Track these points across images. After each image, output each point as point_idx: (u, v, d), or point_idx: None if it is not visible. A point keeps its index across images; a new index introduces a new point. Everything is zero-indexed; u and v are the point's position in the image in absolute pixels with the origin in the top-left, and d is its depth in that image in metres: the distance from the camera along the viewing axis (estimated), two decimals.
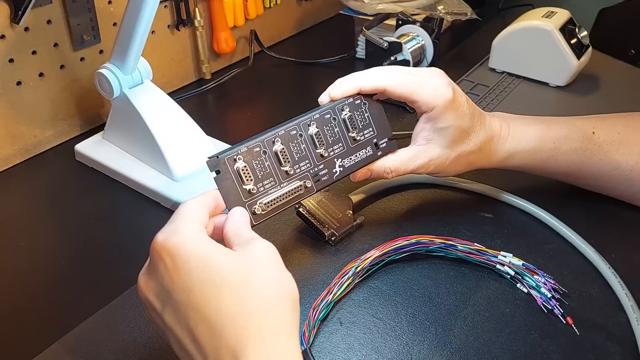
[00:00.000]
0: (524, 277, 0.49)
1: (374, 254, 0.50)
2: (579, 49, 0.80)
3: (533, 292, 0.49)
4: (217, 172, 0.43)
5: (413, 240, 0.51)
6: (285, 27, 1.00)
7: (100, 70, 0.61)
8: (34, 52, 0.64)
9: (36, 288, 0.51)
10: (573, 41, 0.80)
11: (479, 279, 0.51)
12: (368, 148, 0.51)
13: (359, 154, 0.50)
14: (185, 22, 0.80)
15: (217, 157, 0.43)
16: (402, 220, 0.57)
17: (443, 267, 0.52)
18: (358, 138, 0.50)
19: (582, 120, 0.57)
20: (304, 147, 0.47)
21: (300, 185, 0.47)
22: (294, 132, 0.47)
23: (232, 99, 0.83)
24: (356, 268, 0.49)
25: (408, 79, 0.49)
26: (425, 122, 0.51)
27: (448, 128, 0.50)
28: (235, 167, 0.43)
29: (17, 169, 0.67)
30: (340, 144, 0.49)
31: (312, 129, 0.47)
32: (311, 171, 0.48)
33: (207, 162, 0.42)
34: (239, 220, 0.41)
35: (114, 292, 0.49)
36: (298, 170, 0.47)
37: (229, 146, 0.45)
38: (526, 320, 0.47)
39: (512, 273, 0.50)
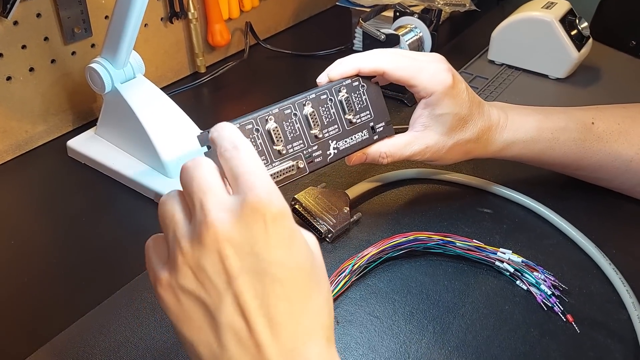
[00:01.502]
0: (524, 273, 0.49)
1: (371, 251, 0.49)
2: (579, 41, 0.79)
3: (533, 289, 0.48)
4: (209, 147, 0.42)
5: (411, 237, 0.50)
6: (281, 19, 0.99)
7: (91, 65, 0.60)
8: (23, 47, 0.63)
9: (27, 287, 0.50)
10: (573, 32, 0.78)
11: (477, 276, 0.50)
12: (364, 131, 0.50)
13: (355, 137, 0.50)
14: (179, 15, 0.79)
15: (208, 132, 0.42)
16: (399, 216, 0.56)
17: (441, 264, 0.51)
18: (354, 120, 0.49)
19: (581, 111, 0.56)
20: (298, 127, 0.46)
21: (293, 166, 0.46)
22: (288, 111, 0.46)
23: (228, 92, 0.82)
24: (353, 266, 0.48)
25: (408, 62, 0.48)
26: (423, 108, 0.50)
27: (446, 115, 0.49)
28: None
29: (8, 166, 0.66)
30: (336, 126, 0.48)
31: (307, 109, 0.47)
32: (304, 152, 0.47)
33: (197, 136, 0.40)
34: None
35: (106, 291, 0.48)
36: (291, 150, 0.46)
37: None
38: (525, 317, 0.46)
39: (512, 270, 0.49)
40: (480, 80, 0.81)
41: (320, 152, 0.48)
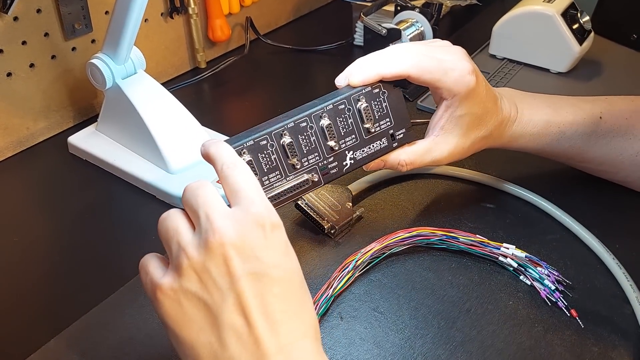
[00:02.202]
0: (527, 269, 0.49)
1: (374, 246, 0.49)
2: (580, 35, 0.78)
3: (536, 284, 0.48)
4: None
5: (414, 233, 0.50)
6: (281, 14, 0.98)
7: (92, 61, 0.60)
8: (24, 43, 0.63)
9: (31, 284, 0.50)
10: (575, 26, 0.78)
11: (481, 271, 0.50)
12: (383, 139, 0.48)
13: (373, 146, 0.48)
14: (179, 10, 0.78)
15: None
16: (402, 211, 0.56)
17: (445, 259, 0.51)
18: (373, 130, 0.47)
19: (590, 104, 0.55)
20: (313, 140, 0.44)
21: (307, 180, 0.45)
22: (304, 124, 0.44)
23: (228, 88, 0.82)
24: (356, 261, 0.48)
25: (433, 65, 0.47)
26: (444, 111, 0.49)
27: (466, 115, 0.48)
28: None
29: (9, 162, 0.65)
30: (353, 136, 0.46)
31: (324, 121, 0.44)
32: (320, 164, 0.45)
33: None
34: None
35: (110, 288, 0.48)
36: (306, 163, 0.44)
37: (234, 136, 0.43)
38: (530, 312, 0.46)
39: (515, 265, 0.49)
40: (482, 74, 0.81)
41: (336, 163, 0.46)
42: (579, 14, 0.79)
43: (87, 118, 0.72)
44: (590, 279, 0.49)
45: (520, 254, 0.49)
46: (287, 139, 0.43)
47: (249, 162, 0.41)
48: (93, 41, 0.70)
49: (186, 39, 0.82)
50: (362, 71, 0.46)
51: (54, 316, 0.47)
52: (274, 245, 0.33)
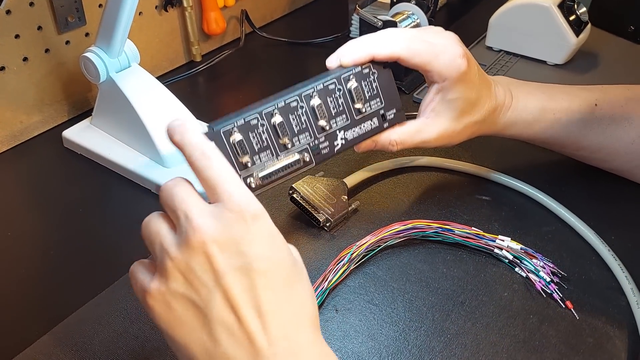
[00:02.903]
0: (523, 260, 0.49)
1: (369, 239, 0.49)
2: (577, 26, 0.78)
3: (532, 276, 0.48)
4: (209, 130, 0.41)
5: (409, 225, 0.50)
6: (277, 7, 0.98)
7: (86, 54, 0.59)
8: (17, 36, 0.62)
9: (24, 278, 0.50)
10: (572, 18, 0.78)
11: (476, 264, 0.50)
12: (374, 120, 0.48)
13: (364, 126, 0.48)
14: (174, 3, 0.78)
15: (213, 130, 0.41)
16: (398, 204, 0.56)
17: (440, 251, 0.51)
18: (364, 110, 0.47)
19: (585, 91, 0.55)
20: (304, 120, 0.44)
21: (299, 159, 0.44)
22: (295, 104, 0.44)
23: (224, 81, 0.81)
24: (352, 254, 0.48)
25: (424, 47, 0.47)
26: (435, 94, 0.49)
27: (457, 100, 0.48)
28: (231, 140, 0.41)
29: (3, 157, 0.65)
30: (344, 116, 0.46)
31: (315, 101, 0.44)
32: (311, 144, 0.45)
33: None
34: None
35: (104, 282, 0.48)
36: (297, 143, 0.44)
37: (224, 116, 0.42)
38: (524, 304, 0.46)
39: (511, 257, 0.49)
40: (474, 60, 0.81)
41: (327, 143, 0.46)
42: (575, 5, 0.78)
43: (82, 112, 0.72)
44: (586, 270, 0.49)
45: (516, 246, 0.49)
46: (277, 118, 0.43)
47: (239, 141, 0.42)
48: (87, 34, 0.69)
49: (181, 32, 0.82)
50: (353, 51, 0.46)
51: (48, 310, 0.47)
52: (256, 236, 0.32)
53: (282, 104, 0.43)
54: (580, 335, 0.44)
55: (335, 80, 0.45)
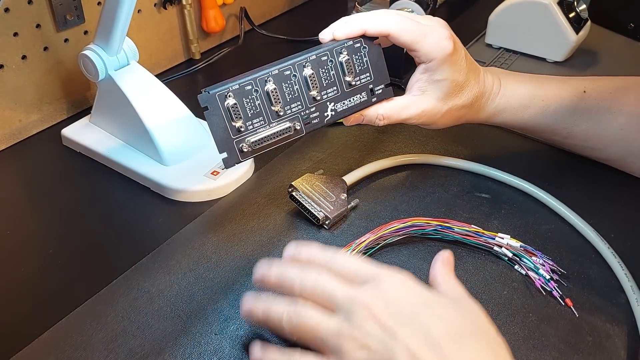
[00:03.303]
0: (522, 258, 0.49)
1: (368, 237, 0.49)
2: (577, 23, 0.78)
3: (531, 273, 0.48)
4: (207, 108, 0.43)
5: (408, 223, 0.50)
6: (276, 4, 0.97)
7: (84, 52, 0.59)
8: (15, 34, 0.62)
9: (23, 277, 0.50)
10: (571, 15, 0.78)
11: (476, 261, 0.50)
12: (363, 93, 0.50)
13: (353, 99, 0.50)
14: (173, 0, 0.78)
15: (208, 93, 0.43)
16: (397, 202, 0.56)
17: (439, 249, 0.50)
18: (354, 83, 0.49)
19: (574, 80, 0.56)
20: (296, 89, 0.47)
21: (290, 127, 0.47)
22: (288, 72, 0.46)
23: (223, 79, 0.80)
24: (351, 252, 0.48)
25: (414, 26, 0.48)
26: (422, 73, 0.51)
27: (444, 81, 0.50)
28: (225, 104, 0.43)
29: (2, 155, 0.65)
30: (335, 88, 0.48)
31: (307, 71, 0.47)
32: (302, 113, 0.47)
33: (198, 97, 0.43)
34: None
35: (103, 280, 0.48)
36: (289, 111, 0.46)
37: (220, 82, 0.45)
38: (524, 302, 0.46)
39: (510, 255, 0.49)
40: (478, 64, 0.80)
41: (318, 113, 0.48)
42: (575, 3, 0.78)
43: (81, 110, 0.72)
44: (585, 268, 0.49)
45: (515, 243, 0.49)
46: (271, 86, 0.45)
47: (233, 106, 0.43)
48: (85, 32, 0.69)
49: (180, 30, 0.81)
50: (346, 25, 0.49)
51: (46, 309, 0.46)
52: (413, 294, 0.36)
53: (276, 71, 0.45)
54: (579, 333, 0.44)
55: (328, 52, 0.48)
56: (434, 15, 0.78)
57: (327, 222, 0.52)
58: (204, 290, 0.47)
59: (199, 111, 0.64)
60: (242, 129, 0.44)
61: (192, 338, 0.43)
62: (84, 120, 0.67)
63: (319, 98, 0.48)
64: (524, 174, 0.57)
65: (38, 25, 0.64)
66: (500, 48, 0.84)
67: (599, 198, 0.56)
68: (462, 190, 0.57)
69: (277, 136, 0.46)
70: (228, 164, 0.45)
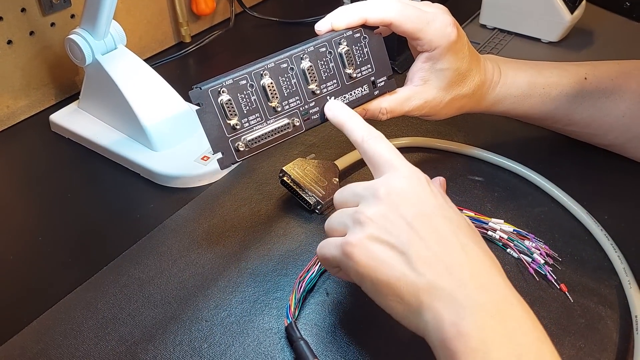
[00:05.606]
0: (515, 242, 0.48)
1: None
2: (572, 3, 0.77)
3: (524, 257, 0.47)
4: (199, 105, 0.40)
5: None
6: None
7: (71, 36, 0.58)
8: (0, 19, 0.61)
9: (12, 264, 0.49)
10: None
11: None
12: (365, 86, 0.47)
13: (354, 93, 0.47)
14: None
15: (200, 89, 0.40)
16: None
17: None
18: (354, 75, 0.46)
19: (574, 66, 0.55)
20: (294, 82, 0.44)
21: (288, 124, 0.44)
22: (285, 65, 0.43)
23: (214, 62, 0.80)
24: None
25: (416, 14, 0.46)
26: (424, 62, 0.48)
27: (447, 70, 0.48)
28: (219, 100, 0.41)
29: None
30: (335, 81, 0.46)
31: (305, 63, 0.44)
32: (301, 108, 0.44)
33: (189, 93, 0.40)
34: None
35: (93, 267, 0.48)
36: (287, 106, 0.44)
37: (213, 77, 0.42)
38: (516, 286, 0.45)
39: (505, 237, 0.48)
40: (472, 44, 0.78)
41: (318, 108, 0.45)
42: None
43: (69, 95, 0.71)
44: (579, 250, 0.49)
45: (508, 228, 0.49)
46: (267, 80, 0.42)
47: (227, 102, 0.41)
48: (72, 16, 0.68)
49: (169, 13, 0.80)
50: (345, 14, 0.46)
51: (36, 297, 0.46)
52: (434, 192, 0.38)
53: (272, 65, 0.43)
54: (572, 316, 0.44)
55: (326, 43, 0.45)
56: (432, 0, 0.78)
57: (318, 207, 0.52)
58: (194, 276, 0.47)
59: (188, 96, 0.63)
60: (238, 127, 0.42)
61: (183, 325, 0.43)
62: (72, 106, 0.66)
63: (318, 92, 0.45)
64: (517, 156, 0.57)
65: (23, 9, 0.63)
66: (495, 29, 0.83)
67: (593, 180, 0.56)
68: (455, 174, 0.57)
69: (275, 133, 0.43)
70: (223, 164, 0.42)
